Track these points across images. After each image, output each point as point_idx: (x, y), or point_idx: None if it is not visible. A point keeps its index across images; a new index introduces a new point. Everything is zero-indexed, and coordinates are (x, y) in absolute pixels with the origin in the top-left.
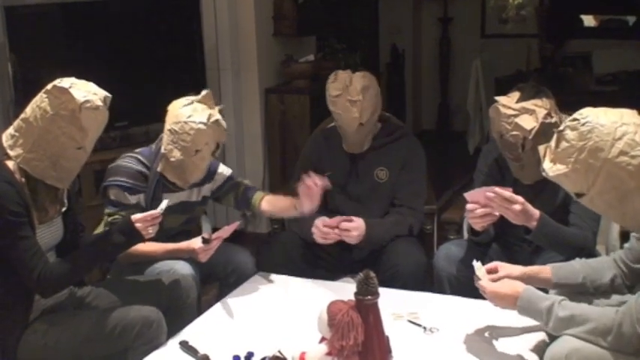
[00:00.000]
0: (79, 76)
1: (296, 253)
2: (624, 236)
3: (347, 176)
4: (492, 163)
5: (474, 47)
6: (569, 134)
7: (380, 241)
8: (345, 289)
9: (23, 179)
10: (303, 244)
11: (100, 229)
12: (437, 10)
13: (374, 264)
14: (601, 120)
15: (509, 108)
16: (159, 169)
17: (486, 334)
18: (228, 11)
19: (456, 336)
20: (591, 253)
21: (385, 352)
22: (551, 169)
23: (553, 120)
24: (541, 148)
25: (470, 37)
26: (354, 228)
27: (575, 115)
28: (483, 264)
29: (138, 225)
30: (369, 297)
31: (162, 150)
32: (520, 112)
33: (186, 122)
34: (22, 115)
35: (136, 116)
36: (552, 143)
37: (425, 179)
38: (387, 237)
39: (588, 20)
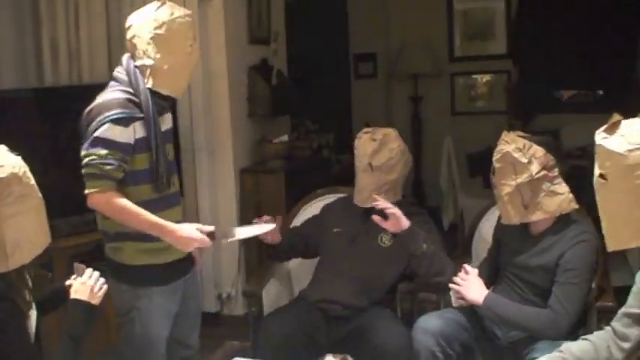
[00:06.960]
0: (50, 157)
1: (283, 334)
2: None
3: (356, 231)
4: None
5: (444, 124)
6: None
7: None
8: None
9: None
10: (286, 325)
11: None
12: (408, 89)
13: (357, 343)
14: None
15: (506, 139)
16: (149, 86)
17: None
18: (202, 93)
19: None
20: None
21: None
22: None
23: (517, 156)
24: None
25: (440, 115)
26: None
27: None
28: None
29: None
30: None
31: (149, 62)
32: (506, 142)
33: (172, 20)
34: None
35: None
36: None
37: None
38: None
39: (557, 95)
